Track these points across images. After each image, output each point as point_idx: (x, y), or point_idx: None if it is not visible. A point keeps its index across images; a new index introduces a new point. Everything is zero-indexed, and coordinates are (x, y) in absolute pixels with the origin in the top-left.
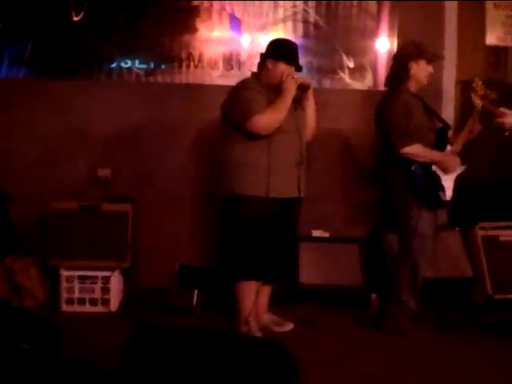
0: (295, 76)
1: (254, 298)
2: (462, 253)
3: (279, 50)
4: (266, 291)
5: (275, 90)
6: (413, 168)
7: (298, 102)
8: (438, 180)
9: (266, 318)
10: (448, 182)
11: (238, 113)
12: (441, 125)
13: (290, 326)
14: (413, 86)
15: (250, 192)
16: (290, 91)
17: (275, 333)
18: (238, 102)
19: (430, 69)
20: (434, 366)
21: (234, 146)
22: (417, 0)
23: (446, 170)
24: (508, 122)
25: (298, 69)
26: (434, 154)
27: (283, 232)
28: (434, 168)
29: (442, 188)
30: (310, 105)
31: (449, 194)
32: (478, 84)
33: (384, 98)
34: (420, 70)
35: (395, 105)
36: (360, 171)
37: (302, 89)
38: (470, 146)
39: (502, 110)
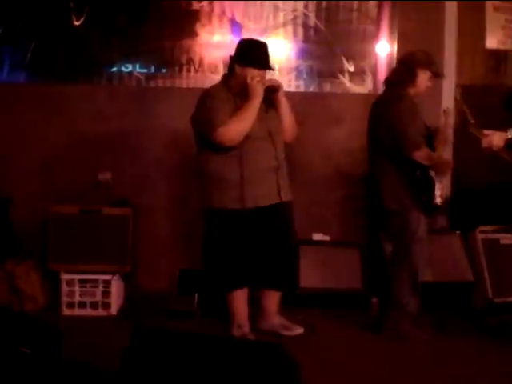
0: (265, 78)
1: (246, 304)
2: (462, 256)
3: (247, 55)
4: (272, 296)
5: (244, 95)
6: (417, 173)
7: (270, 104)
8: (433, 185)
9: (276, 321)
10: (438, 187)
11: (203, 125)
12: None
13: (299, 330)
14: (412, 93)
15: (226, 205)
16: (257, 96)
17: (283, 337)
18: (202, 114)
19: (430, 83)
20: (435, 370)
21: (208, 158)
22: (417, 3)
23: (440, 174)
24: (495, 142)
25: (268, 69)
26: (438, 159)
27: (274, 238)
28: (432, 173)
29: (436, 194)
30: (284, 106)
31: (440, 199)
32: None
33: (383, 99)
34: (424, 80)
35: (404, 108)
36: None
37: (272, 91)
38: (469, 149)
39: (486, 132)
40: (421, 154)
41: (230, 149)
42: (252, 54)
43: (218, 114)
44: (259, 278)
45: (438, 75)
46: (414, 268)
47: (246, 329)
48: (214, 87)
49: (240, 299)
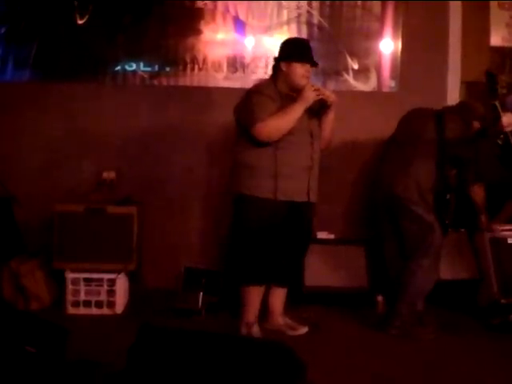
0: (310, 74)
1: (260, 302)
2: (468, 255)
3: (291, 51)
4: (279, 294)
5: (292, 97)
6: (448, 196)
7: (317, 112)
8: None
9: (281, 321)
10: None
11: (245, 117)
12: None
13: (304, 330)
14: None
15: (258, 193)
16: (306, 101)
17: (288, 336)
18: (246, 107)
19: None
20: (441, 368)
21: (245, 148)
22: (421, 1)
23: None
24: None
25: (313, 64)
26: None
27: (293, 236)
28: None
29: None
30: (329, 120)
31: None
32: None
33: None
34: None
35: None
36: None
37: (323, 105)
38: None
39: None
40: (477, 190)
41: (267, 144)
42: (296, 49)
43: (260, 109)
44: (273, 274)
45: (483, 134)
46: (434, 266)
47: (255, 327)
48: (262, 83)
49: (256, 295)
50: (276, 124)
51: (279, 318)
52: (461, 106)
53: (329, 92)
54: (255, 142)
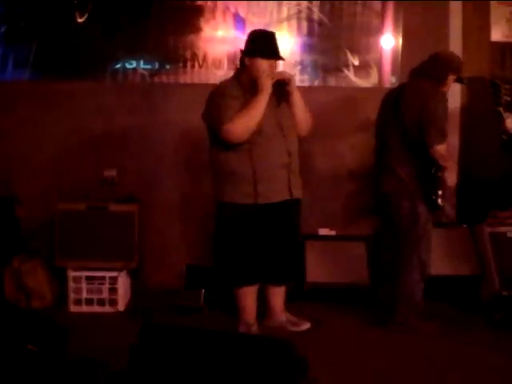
0: (276, 69)
1: (254, 301)
2: (469, 250)
3: (254, 46)
4: (278, 292)
5: (255, 90)
6: (433, 170)
7: (282, 97)
8: (442, 185)
9: (283, 318)
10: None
11: (212, 122)
12: None
13: (306, 326)
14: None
15: (238, 200)
16: (265, 90)
17: (291, 332)
18: (211, 111)
19: (451, 87)
20: (444, 363)
21: (219, 154)
22: None
23: (445, 181)
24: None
25: (278, 59)
26: (450, 161)
27: (280, 234)
28: (441, 175)
29: (440, 195)
30: (295, 99)
31: (441, 200)
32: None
33: (414, 89)
34: (450, 83)
35: (441, 103)
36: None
37: (282, 84)
38: (477, 142)
39: None
40: (440, 149)
41: (239, 145)
42: (260, 44)
43: (226, 111)
44: (266, 274)
45: (461, 82)
46: (423, 262)
47: (253, 326)
48: (223, 83)
49: (249, 296)
50: (243, 121)
51: (281, 315)
52: (433, 61)
53: (281, 71)
54: (228, 146)
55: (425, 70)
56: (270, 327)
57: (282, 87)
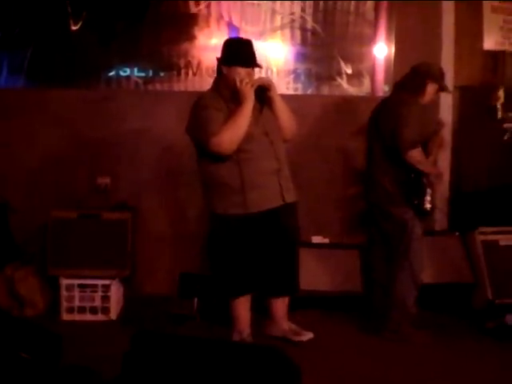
0: (253, 77)
1: (249, 310)
2: (462, 258)
3: (231, 54)
4: (280, 302)
5: (236, 99)
6: (412, 175)
7: (264, 104)
8: (425, 190)
9: (285, 327)
10: (429, 193)
11: (198, 136)
12: None
13: (309, 336)
14: (420, 101)
15: (228, 211)
16: (248, 100)
17: (293, 342)
18: (196, 125)
19: (435, 96)
20: (436, 371)
21: (208, 165)
22: (414, 5)
23: (430, 184)
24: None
25: (256, 66)
26: (429, 166)
27: (279, 242)
28: (424, 179)
29: (426, 200)
30: (277, 104)
31: (429, 205)
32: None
33: (391, 101)
34: (431, 92)
35: (411, 112)
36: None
37: (263, 90)
38: (470, 151)
39: None
40: (413, 154)
41: (226, 156)
42: (236, 52)
43: (211, 124)
44: (266, 285)
45: (443, 90)
46: (415, 268)
47: (247, 335)
48: (204, 96)
49: (243, 306)
50: (230, 133)
51: (283, 324)
52: (412, 72)
53: (260, 77)
54: (216, 158)
55: (404, 82)
56: (271, 336)
57: (262, 93)
